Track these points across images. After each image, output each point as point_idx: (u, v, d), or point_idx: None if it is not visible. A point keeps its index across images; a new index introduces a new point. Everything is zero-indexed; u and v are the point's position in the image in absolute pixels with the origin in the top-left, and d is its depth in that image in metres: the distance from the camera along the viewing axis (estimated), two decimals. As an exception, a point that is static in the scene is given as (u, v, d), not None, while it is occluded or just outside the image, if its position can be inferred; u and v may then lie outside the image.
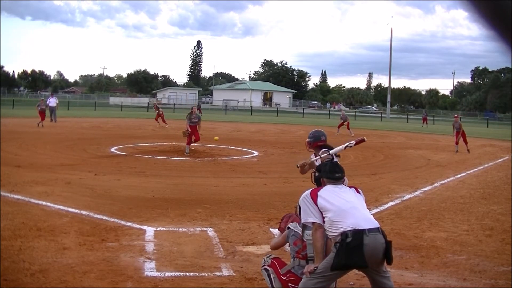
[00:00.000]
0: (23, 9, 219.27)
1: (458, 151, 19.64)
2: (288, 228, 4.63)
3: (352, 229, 3.76)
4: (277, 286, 4.42)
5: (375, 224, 3.89)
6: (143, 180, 10.71)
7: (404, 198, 9.78)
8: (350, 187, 4.32)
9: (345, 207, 3.92)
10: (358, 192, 4.22)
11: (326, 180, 4.22)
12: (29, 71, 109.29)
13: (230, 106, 68.67)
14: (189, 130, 15.61)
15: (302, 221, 4.14)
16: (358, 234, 3.74)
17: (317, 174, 4.56)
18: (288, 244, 4.64)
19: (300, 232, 4.41)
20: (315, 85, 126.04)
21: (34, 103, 45.72)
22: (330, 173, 4.21)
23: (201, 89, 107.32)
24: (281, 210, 8.16)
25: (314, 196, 4.04)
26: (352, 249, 3.71)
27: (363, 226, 3.78)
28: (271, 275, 4.48)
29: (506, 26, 1.06)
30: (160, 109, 30.12)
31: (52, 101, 28.66)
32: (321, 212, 3.98)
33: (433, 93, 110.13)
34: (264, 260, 4.69)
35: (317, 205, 4.00)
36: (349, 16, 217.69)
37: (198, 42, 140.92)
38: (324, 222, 3.95)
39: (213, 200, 8.91)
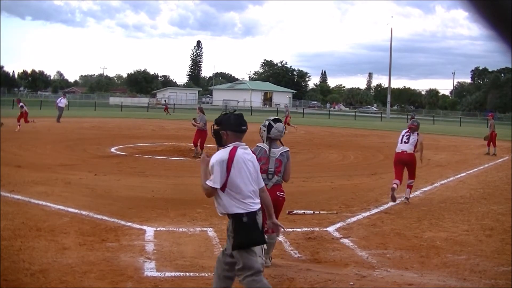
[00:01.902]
0: (23, 9, 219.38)
1: (489, 153, 19.25)
2: (258, 146, 5.44)
3: (247, 211, 3.85)
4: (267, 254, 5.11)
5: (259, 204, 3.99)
6: (143, 180, 10.71)
7: (404, 198, 9.76)
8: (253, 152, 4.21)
9: (246, 188, 3.90)
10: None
11: (230, 133, 3.98)
12: (29, 71, 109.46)
13: (230, 106, 68.65)
14: (195, 124, 15.37)
15: (213, 185, 3.88)
16: (252, 214, 3.87)
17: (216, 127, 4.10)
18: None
19: (267, 150, 5.39)
20: (315, 85, 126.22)
21: (34, 103, 45.73)
22: (236, 126, 4.00)
23: (201, 89, 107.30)
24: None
25: (229, 164, 3.87)
26: (250, 228, 3.83)
27: (255, 207, 3.91)
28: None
29: (506, 26, 1.06)
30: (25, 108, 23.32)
31: (62, 102, 28.77)
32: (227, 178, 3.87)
33: (433, 93, 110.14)
34: None
35: (227, 174, 3.86)
36: (349, 16, 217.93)
37: (198, 42, 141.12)
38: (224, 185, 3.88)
39: (213, 200, 8.90)
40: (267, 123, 5.54)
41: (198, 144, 15.21)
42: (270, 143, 5.48)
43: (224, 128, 3.99)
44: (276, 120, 5.60)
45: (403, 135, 9.78)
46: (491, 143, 19.52)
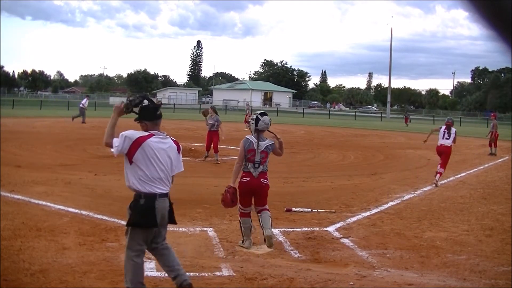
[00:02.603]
0: (23, 9, 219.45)
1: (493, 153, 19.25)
2: (247, 138, 6.10)
3: (147, 192, 4.13)
4: (246, 237, 6.08)
5: (167, 189, 4.27)
6: (143, 180, 10.69)
7: (404, 198, 9.78)
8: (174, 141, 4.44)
9: (150, 173, 4.15)
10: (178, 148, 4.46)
11: (148, 123, 4.29)
12: (29, 71, 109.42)
13: (230, 106, 68.69)
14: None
15: (114, 153, 4.20)
16: (151, 197, 4.13)
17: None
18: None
19: (255, 143, 6.06)
20: (315, 85, 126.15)
21: (34, 103, 45.73)
22: (153, 116, 4.31)
23: (201, 89, 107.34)
24: (281, 210, 8.17)
25: (134, 145, 4.14)
26: (145, 211, 4.11)
27: (157, 191, 4.16)
28: (241, 227, 6.07)
29: (506, 26, 1.06)
30: None
31: (82, 103, 28.72)
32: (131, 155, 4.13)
33: (433, 93, 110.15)
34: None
35: (129, 151, 4.14)
36: (349, 16, 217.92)
37: (198, 42, 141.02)
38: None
39: (213, 200, 8.89)
40: (254, 116, 6.18)
41: (212, 148, 14.08)
42: (258, 135, 6.15)
43: (142, 119, 4.30)
44: (262, 114, 6.21)
45: (443, 132, 11.88)
46: (493, 143, 19.55)
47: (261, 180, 6.11)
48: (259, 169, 6.08)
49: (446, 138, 11.78)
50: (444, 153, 11.72)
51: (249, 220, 6.19)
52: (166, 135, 4.38)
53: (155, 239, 4.30)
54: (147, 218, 4.11)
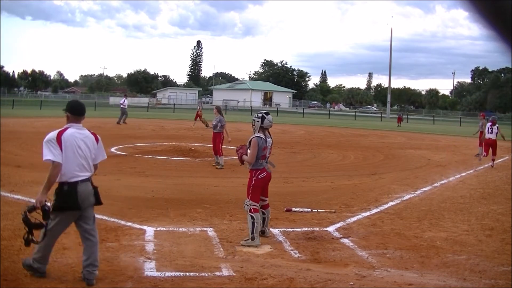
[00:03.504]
0: (23, 9, 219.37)
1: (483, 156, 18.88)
2: (260, 137, 6.44)
3: (70, 178, 4.62)
4: (256, 234, 6.19)
5: (88, 174, 4.77)
6: (143, 180, 10.71)
7: (404, 198, 9.79)
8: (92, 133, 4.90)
9: (72, 161, 4.62)
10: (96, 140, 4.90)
11: (70, 115, 4.81)
12: (29, 71, 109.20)
13: (230, 106, 68.70)
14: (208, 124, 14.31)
15: (58, 161, 4.57)
16: (74, 183, 4.64)
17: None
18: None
19: (264, 140, 6.45)
20: (315, 85, 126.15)
21: (34, 103, 45.70)
22: (74, 110, 4.83)
23: (201, 89, 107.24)
24: (281, 210, 8.18)
25: (58, 140, 4.61)
26: (68, 196, 4.62)
27: (79, 177, 4.66)
28: (255, 223, 6.20)
29: (506, 26, 1.06)
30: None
31: (121, 102, 28.65)
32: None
33: (433, 93, 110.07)
34: (246, 205, 6.35)
35: (60, 147, 4.60)
36: (349, 16, 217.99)
37: (198, 42, 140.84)
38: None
39: (213, 200, 8.91)
40: (260, 115, 6.58)
41: (220, 150, 13.27)
42: (264, 133, 6.52)
43: (66, 110, 4.85)
44: (267, 113, 6.62)
45: (488, 127, 16.06)
46: (483, 143, 19.46)
47: (269, 171, 6.62)
48: (266, 163, 6.55)
49: (490, 133, 15.77)
50: (491, 144, 15.60)
51: (267, 210, 6.70)
52: (82, 127, 4.85)
53: (84, 220, 4.76)
54: (70, 202, 4.61)
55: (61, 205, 4.62)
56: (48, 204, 4.58)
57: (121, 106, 28.43)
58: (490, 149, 15.76)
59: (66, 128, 4.73)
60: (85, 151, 4.72)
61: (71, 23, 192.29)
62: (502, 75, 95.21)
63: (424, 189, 10.98)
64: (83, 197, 4.67)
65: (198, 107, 29.81)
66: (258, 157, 6.40)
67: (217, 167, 13.04)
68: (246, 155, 6.54)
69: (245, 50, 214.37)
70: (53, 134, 4.64)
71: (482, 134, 19.32)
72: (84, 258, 4.73)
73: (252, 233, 6.19)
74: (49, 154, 4.55)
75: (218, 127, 13.25)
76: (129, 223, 7.01)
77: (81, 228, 4.80)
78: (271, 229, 6.91)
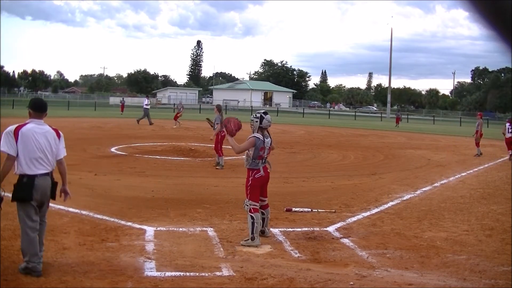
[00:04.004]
0: (23, 9, 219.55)
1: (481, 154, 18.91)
2: (257, 138, 6.40)
3: (29, 172, 4.85)
4: (256, 234, 6.18)
5: (48, 169, 4.97)
6: (143, 180, 10.71)
7: (404, 198, 9.78)
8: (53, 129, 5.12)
9: (30, 154, 4.85)
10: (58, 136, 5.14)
11: (32, 112, 5.05)
12: (29, 71, 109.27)
13: (230, 106, 68.70)
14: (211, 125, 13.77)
15: (11, 153, 4.85)
16: (32, 176, 4.87)
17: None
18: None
19: (263, 141, 6.40)
20: (315, 85, 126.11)
21: (34, 103, 45.56)
22: (35, 108, 5.07)
23: (201, 89, 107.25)
24: (281, 210, 8.17)
25: (15, 134, 4.85)
26: (25, 187, 4.88)
27: (38, 171, 4.88)
28: (255, 223, 6.19)
29: (506, 26, 1.06)
30: None
31: (145, 104, 28.64)
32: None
33: (433, 93, 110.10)
34: (246, 205, 6.37)
35: (16, 140, 4.83)
36: (349, 16, 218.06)
37: (198, 42, 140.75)
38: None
39: (213, 200, 8.91)
40: (258, 115, 6.56)
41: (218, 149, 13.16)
42: (263, 133, 6.50)
43: (29, 107, 5.09)
44: (265, 113, 6.60)
45: (507, 128, 18.02)
46: (477, 142, 19.53)
47: (267, 171, 6.66)
48: (264, 163, 6.56)
49: (510, 132, 17.79)
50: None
51: (267, 210, 6.71)
52: (42, 123, 5.05)
53: (40, 213, 5.02)
54: (25, 194, 4.86)
55: (17, 195, 4.89)
56: (2, 193, 4.83)
57: (144, 106, 28.34)
58: None
59: (26, 123, 4.94)
60: (44, 145, 4.93)
61: (71, 23, 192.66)
62: (502, 75, 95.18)
63: (424, 189, 10.98)
64: (41, 190, 4.89)
65: (180, 108, 29.51)
66: (255, 157, 6.40)
67: (216, 167, 12.98)
68: (232, 133, 6.62)
69: (245, 50, 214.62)
70: (12, 127, 4.86)
71: (477, 133, 19.35)
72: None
73: (252, 233, 6.19)
74: (4, 146, 4.80)
75: (216, 126, 13.17)
76: (129, 223, 7.00)
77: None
78: (271, 229, 6.91)
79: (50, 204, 7.82)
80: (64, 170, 5.24)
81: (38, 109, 5.08)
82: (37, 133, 4.92)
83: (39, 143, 4.90)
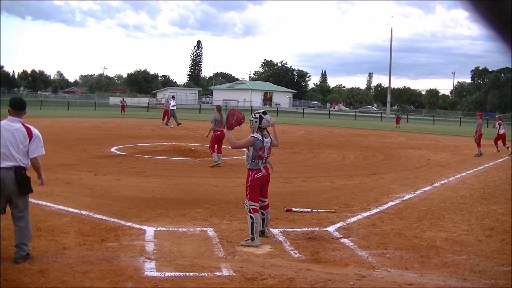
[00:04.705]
0: (23, 9, 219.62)
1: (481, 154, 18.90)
2: (256, 138, 6.39)
3: None
4: (256, 235, 6.18)
5: (12, 163, 5.20)
6: (143, 180, 10.71)
7: (404, 198, 9.78)
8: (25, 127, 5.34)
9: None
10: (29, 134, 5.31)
11: (11, 110, 5.35)
12: (29, 71, 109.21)
13: (230, 106, 68.63)
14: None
15: None
16: None
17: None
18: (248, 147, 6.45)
19: (262, 141, 6.40)
20: (315, 85, 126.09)
21: (34, 103, 45.62)
22: (13, 106, 5.36)
23: (201, 89, 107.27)
24: (281, 210, 8.17)
25: None
26: None
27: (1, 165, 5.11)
28: (254, 223, 6.19)
29: (506, 26, 1.06)
30: None
31: (172, 105, 28.47)
32: None
33: (433, 93, 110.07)
34: (246, 205, 6.39)
35: None
36: (349, 16, 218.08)
37: (198, 42, 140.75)
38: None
39: (213, 200, 8.91)
40: (257, 115, 6.52)
41: (215, 148, 13.15)
42: (262, 133, 6.48)
43: (8, 105, 5.38)
44: (264, 113, 6.59)
45: (497, 125, 20.17)
46: (477, 142, 19.52)
47: (268, 172, 6.64)
48: (264, 164, 6.54)
49: (503, 129, 20.01)
50: None
51: (267, 211, 6.71)
52: (16, 120, 5.33)
53: (13, 206, 5.30)
54: None
55: None
56: None
57: (171, 108, 28.20)
58: None
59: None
60: (9, 141, 5.20)
61: (71, 23, 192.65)
62: (502, 75, 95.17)
63: (424, 189, 10.98)
64: (3, 182, 5.13)
65: (166, 107, 28.98)
66: (254, 157, 6.40)
67: (211, 165, 13.03)
68: (231, 127, 6.61)
69: (245, 50, 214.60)
70: None
71: (477, 134, 19.36)
72: (15, 238, 5.34)
73: (252, 233, 6.19)
74: None
75: (214, 125, 13.29)
76: (129, 223, 7.00)
77: (12, 213, 5.35)
78: (271, 229, 6.91)
79: (50, 204, 7.90)
80: (36, 166, 5.53)
81: (16, 108, 5.38)
82: (6, 130, 5.22)
83: (4, 138, 5.18)
